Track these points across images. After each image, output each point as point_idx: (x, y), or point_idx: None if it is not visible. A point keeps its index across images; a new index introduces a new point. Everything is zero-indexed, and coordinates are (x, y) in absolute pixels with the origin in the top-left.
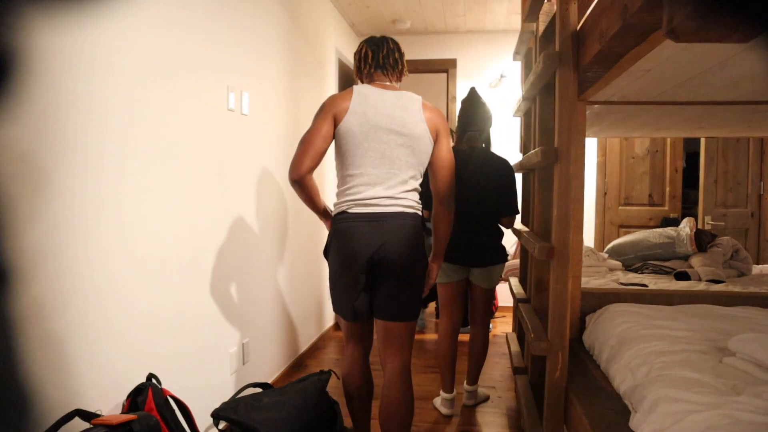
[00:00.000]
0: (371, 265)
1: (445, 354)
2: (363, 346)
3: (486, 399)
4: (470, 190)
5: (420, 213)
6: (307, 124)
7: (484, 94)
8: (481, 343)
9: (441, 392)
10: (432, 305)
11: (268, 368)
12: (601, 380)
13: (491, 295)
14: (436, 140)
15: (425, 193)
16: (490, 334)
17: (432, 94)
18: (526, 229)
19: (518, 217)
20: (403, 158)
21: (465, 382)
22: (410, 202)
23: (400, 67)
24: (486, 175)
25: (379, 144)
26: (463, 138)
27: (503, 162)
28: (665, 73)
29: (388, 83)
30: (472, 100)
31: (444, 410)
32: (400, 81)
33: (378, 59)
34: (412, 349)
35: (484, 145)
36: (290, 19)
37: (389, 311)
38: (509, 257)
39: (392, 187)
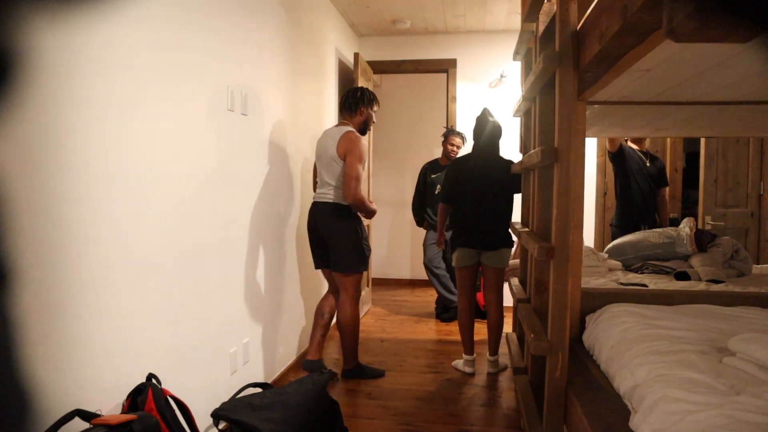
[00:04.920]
0: (312, 232)
1: (465, 325)
2: (330, 285)
3: (505, 368)
4: (480, 187)
5: (339, 204)
6: (307, 124)
7: (484, 94)
8: (497, 318)
9: (463, 355)
10: (433, 309)
11: (268, 368)
12: (601, 380)
13: (501, 275)
14: (344, 159)
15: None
16: None
17: (432, 94)
18: (526, 229)
19: (518, 217)
20: (324, 171)
21: (487, 354)
22: (326, 197)
23: (353, 107)
24: (491, 174)
25: (319, 162)
26: (474, 148)
27: (506, 161)
28: (665, 73)
29: (343, 120)
30: (482, 119)
31: (467, 369)
32: (356, 113)
33: (342, 103)
34: (351, 288)
35: (491, 152)
36: (290, 19)
37: (332, 264)
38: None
39: (321, 187)
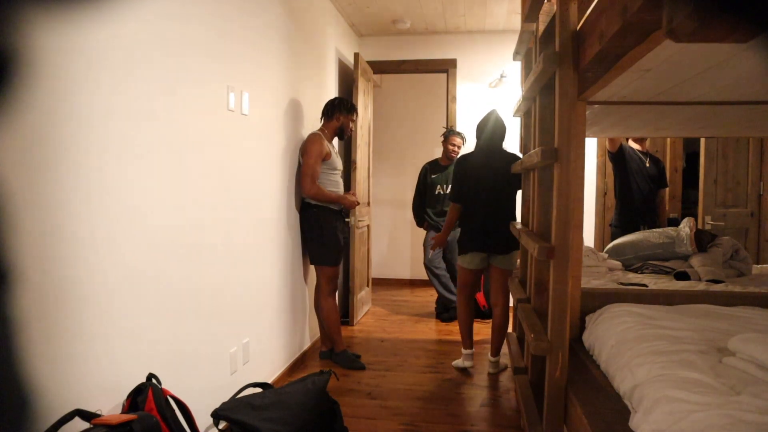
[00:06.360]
0: None
1: (464, 319)
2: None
3: (505, 368)
4: (485, 180)
5: (305, 201)
6: (308, 124)
7: (484, 94)
8: (502, 319)
9: (462, 350)
10: (433, 309)
11: (268, 368)
12: (601, 380)
13: (509, 276)
14: (302, 156)
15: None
16: None
17: (432, 94)
18: (526, 229)
19: (518, 217)
20: None
21: (489, 354)
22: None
23: (329, 113)
24: (495, 167)
25: None
26: (477, 143)
27: (511, 154)
28: (665, 73)
29: (321, 126)
30: (486, 116)
31: (466, 363)
32: (332, 119)
33: (322, 111)
34: (323, 281)
35: (495, 146)
36: (290, 19)
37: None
38: None
39: None
